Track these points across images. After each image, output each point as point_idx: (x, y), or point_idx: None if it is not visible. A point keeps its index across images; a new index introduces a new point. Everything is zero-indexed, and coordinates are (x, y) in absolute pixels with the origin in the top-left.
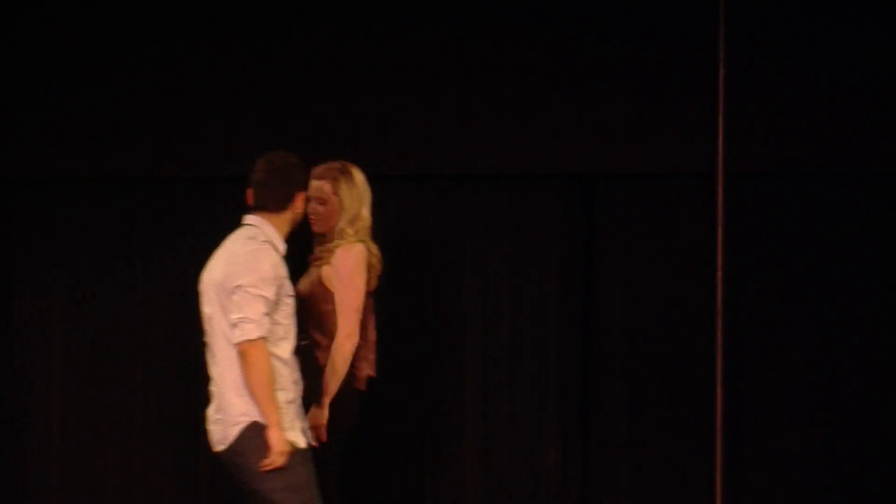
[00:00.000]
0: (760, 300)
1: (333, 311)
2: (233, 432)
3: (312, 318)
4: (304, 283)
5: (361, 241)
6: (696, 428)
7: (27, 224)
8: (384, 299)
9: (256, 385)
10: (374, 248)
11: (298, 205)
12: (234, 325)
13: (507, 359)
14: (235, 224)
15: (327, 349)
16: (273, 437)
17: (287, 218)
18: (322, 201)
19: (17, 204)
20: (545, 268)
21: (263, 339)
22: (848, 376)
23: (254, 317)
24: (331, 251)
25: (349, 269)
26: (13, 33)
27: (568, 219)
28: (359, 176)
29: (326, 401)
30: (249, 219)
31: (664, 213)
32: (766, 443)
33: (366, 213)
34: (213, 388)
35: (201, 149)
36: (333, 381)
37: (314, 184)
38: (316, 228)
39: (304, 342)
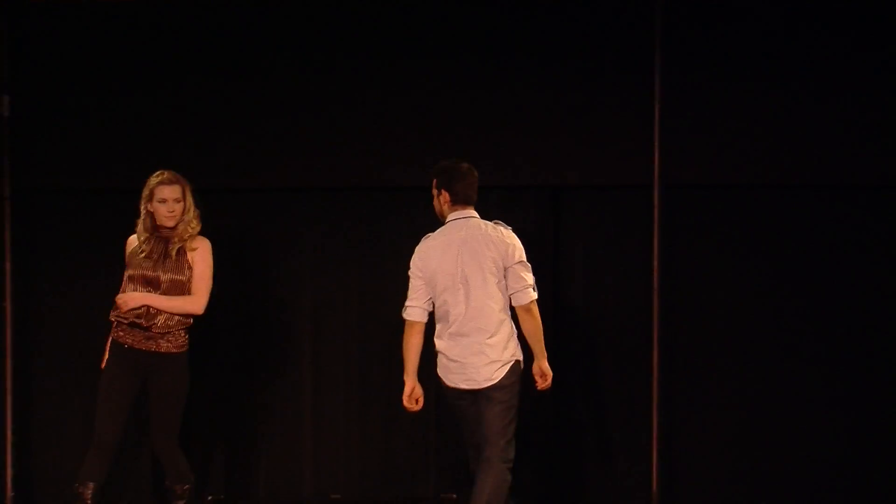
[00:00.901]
0: (689, 287)
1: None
2: (505, 369)
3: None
4: (174, 269)
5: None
6: (637, 385)
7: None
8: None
9: (539, 331)
10: None
11: None
12: (522, 290)
13: None
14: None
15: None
16: (547, 366)
17: None
18: (178, 200)
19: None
20: None
21: None
22: (759, 347)
23: (532, 282)
24: (194, 242)
25: (210, 260)
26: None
27: (539, 221)
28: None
29: None
30: (470, 212)
31: (615, 216)
32: (691, 394)
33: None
34: (468, 341)
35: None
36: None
37: (173, 188)
38: (171, 223)
39: None
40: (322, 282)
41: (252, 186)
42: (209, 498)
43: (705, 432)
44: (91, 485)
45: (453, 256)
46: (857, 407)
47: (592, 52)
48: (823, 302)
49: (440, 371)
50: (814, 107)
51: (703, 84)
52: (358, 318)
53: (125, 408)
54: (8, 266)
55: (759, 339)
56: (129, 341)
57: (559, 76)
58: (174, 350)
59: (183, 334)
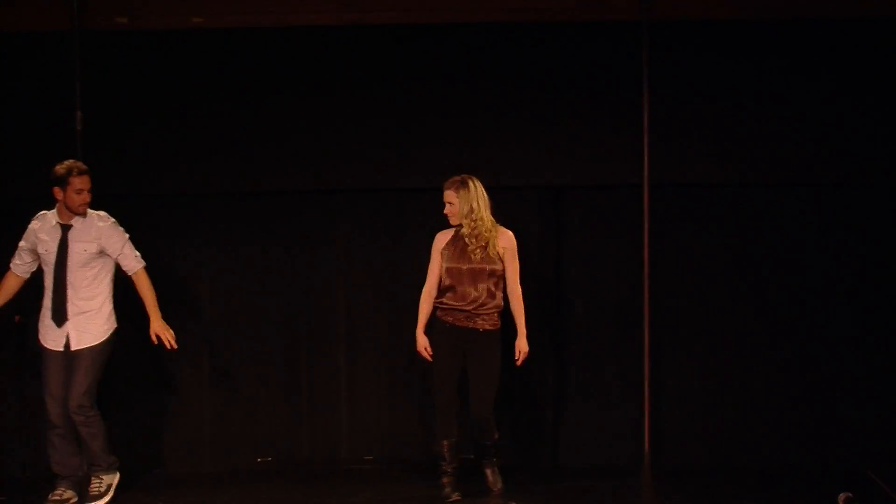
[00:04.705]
0: (675, 272)
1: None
2: None
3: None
4: (473, 256)
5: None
6: (630, 361)
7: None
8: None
9: None
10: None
11: None
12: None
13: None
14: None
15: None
16: None
17: None
18: (450, 204)
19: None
20: (529, 250)
21: None
22: (737, 325)
23: None
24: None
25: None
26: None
27: (543, 218)
28: (472, 184)
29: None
30: None
31: (609, 212)
32: (679, 368)
33: (475, 207)
34: None
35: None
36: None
37: (445, 193)
38: (452, 222)
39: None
40: (352, 274)
41: (286, 189)
42: (258, 460)
43: (692, 400)
44: (445, 442)
45: None
46: (828, 376)
47: (588, 69)
48: (796, 286)
49: None
50: (790, 112)
51: (686, 94)
52: (387, 303)
53: (455, 375)
54: None
55: (738, 317)
56: (450, 320)
57: (560, 91)
58: (490, 328)
59: (497, 315)
